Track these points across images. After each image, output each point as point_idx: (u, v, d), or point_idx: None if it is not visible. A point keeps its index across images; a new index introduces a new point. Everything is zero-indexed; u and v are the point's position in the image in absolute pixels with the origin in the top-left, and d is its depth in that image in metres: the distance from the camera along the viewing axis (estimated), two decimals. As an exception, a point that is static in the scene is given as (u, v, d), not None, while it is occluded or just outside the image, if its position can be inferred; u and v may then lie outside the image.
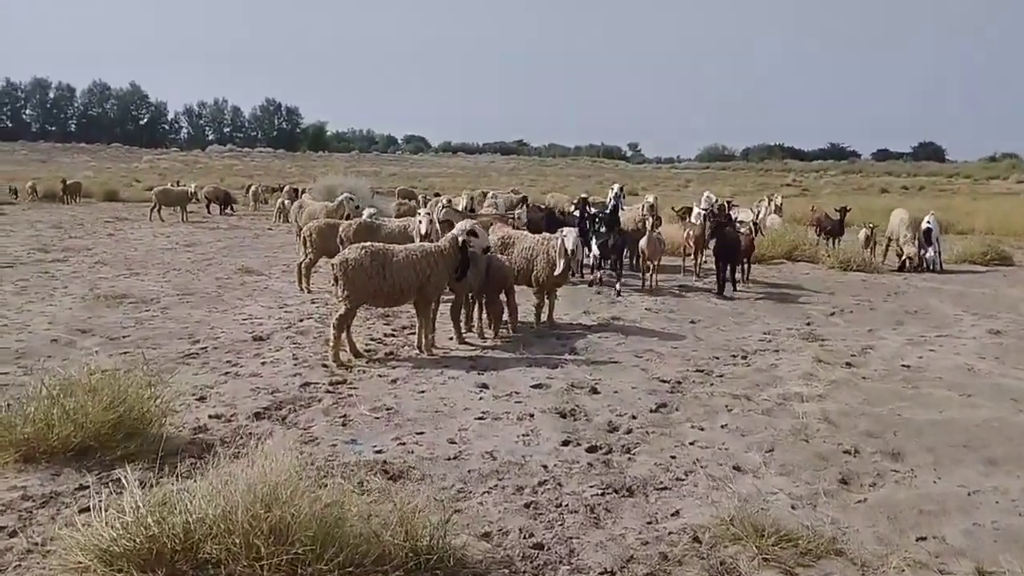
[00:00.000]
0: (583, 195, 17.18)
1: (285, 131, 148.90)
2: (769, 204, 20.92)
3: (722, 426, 6.86)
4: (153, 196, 28.08)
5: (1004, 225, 25.92)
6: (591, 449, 6.29)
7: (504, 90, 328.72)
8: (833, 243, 18.04)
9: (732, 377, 8.37)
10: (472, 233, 8.95)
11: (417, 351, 9.16)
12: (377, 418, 6.90)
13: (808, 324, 11.10)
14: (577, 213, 15.12)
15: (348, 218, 14.28)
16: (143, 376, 6.47)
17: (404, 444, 6.31)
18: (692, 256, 15.44)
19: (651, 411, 7.23)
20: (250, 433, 6.49)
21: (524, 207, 16.46)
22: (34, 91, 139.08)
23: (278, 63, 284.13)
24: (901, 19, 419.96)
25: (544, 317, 10.80)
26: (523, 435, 6.55)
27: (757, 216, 17.73)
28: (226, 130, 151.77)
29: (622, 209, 15.59)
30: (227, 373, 8.16)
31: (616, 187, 15.81)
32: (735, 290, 13.39)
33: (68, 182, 35.48)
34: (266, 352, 9.06)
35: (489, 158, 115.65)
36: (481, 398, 7.51)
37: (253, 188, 35.25)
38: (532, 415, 7.05)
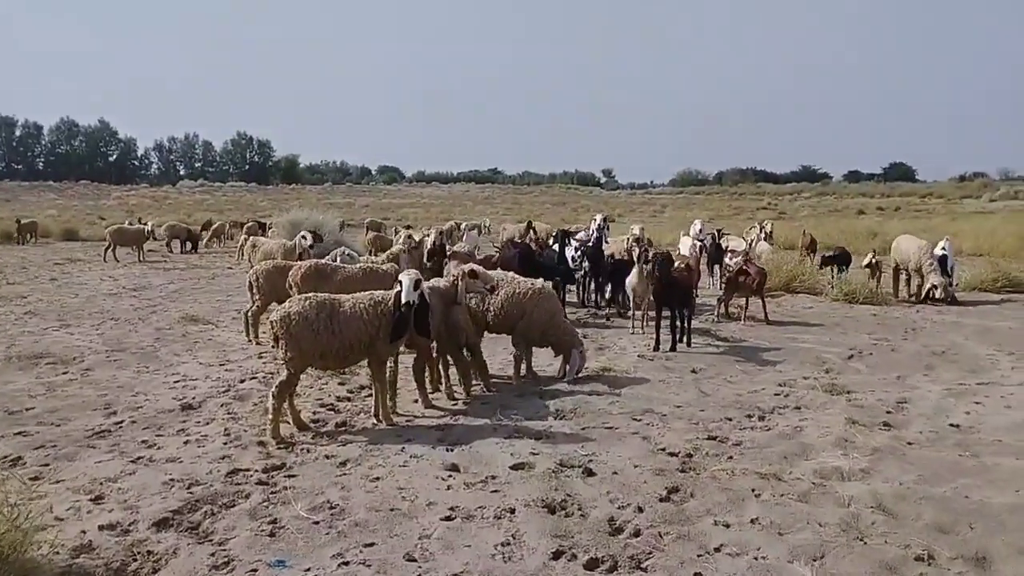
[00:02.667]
0: (563, 227, 15.87)
1: (257, 164, 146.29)
2: (760, 231, 19.64)
3: (752, 521, 5.43)
4: (107, 235, 26.45)
5: (991, 245, 24.98)
6: (590, 564, 4.84)
7: (477, 118, 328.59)
8: (834, 272, 16.49)
9: (752, 447, 6.96)
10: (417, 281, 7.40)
11: (375, 421, 7.70)
12: (316, 523, 5.41)
13: (827, 371, 9.74)
14: (556, 247, 13.78)
15: (302, 258, 12.82)
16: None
17: (347, 564, 4.83)
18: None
19: (660, 499, 5.80)
20: (148, 551, 5.00)
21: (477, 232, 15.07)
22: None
23: (249, 96, 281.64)
24: (868, 40, 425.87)
25: (524, 371, 9.41)
26: (502, 544, 5.09)
27: (750, 244, 16.44)
28: (197, 164, 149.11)
29: (606, 241, 14.28)
30: (138, 459, 6.63)
31: (599, 217, 14.44)
32: (688, 345, 11.16)
33: (23, 221, 33.79)
34: (192, 426, 7.55)
35: (463, 187, 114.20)
36: (449, 487, 6.04)
37: (216, 225, 33.63)
38: (513, 510, 5.60)
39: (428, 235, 14.63)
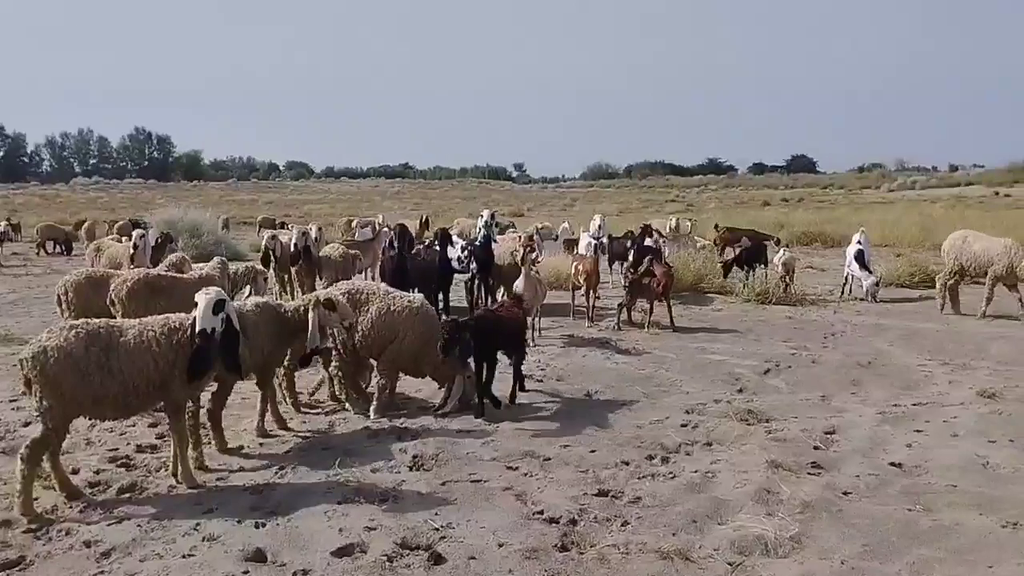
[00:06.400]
0: (445, 227, 14.31)
1: (157, 160, 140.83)
2: (678, 225, 17.93)
3: (649, 634, 3.92)
4: (-46, 239, 23.72)
5: (896, 235, 24.61)
6: None
7: (388, 113, 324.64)
8: (748, 272, 14.99)
9: (653, 505, 5.46)
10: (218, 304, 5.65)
11: (174, 481, 5.95)
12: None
13: (740, 391, 8.36)
14: (438, 246, 12.16)
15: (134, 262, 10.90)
16: None
17: None
18: (584, 295, 12.40)
19: (528, 601, 4.24)
20: None
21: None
22: None
23: (148, 92, 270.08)
24: (769, 34, 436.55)
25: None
26: None
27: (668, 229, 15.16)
28: (93, 161, 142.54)
29: (495, 240, 12.70)
30: None
31: (486, 214, 12.78)
32: (522, 389, 8.29)
33: None
34: (-74, 497, 5.69)
35: (373, 182, 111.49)
36: (241, 592, 4.37)
37: (87, 224, 30.85)
38: (320, 631, 3.97)
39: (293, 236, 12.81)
